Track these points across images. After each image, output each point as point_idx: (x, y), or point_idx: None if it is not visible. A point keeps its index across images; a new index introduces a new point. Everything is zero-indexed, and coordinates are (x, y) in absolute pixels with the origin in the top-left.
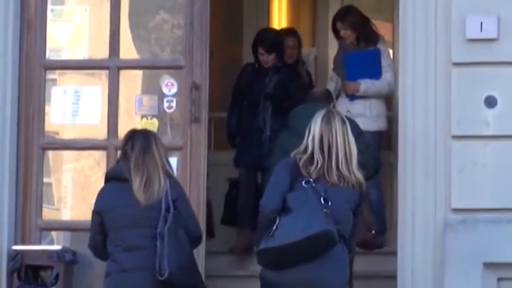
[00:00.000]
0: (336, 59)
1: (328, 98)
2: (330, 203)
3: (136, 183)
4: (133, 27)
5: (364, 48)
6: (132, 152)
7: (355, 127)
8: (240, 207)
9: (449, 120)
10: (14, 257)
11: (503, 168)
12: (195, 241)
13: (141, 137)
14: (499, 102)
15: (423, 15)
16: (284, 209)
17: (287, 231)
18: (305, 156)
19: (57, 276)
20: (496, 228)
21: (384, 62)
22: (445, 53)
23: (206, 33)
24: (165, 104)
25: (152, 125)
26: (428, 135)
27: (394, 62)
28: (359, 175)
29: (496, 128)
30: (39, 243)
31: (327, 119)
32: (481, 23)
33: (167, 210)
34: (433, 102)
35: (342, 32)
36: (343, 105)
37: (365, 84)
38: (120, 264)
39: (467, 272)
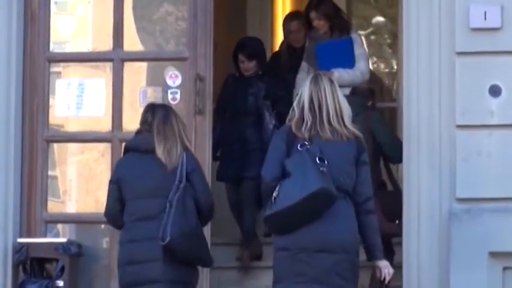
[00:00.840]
0: (307, 48)
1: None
2: (326, 162)
3: (160, 150)
4: (137, 19)
5: (337, 38)
6: (153, 121)
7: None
8: (237, 219)
9: (454, 110)
10: (19, 249)
11: (508, 157)
12: (206, 215)
13: (160, 109)
14: (503, 91)
15: (427, 5)
16: (284, 174)
17: (287, 195)
18: (295, 119)
19: (62, 269)
20: (501, 217)
21: (357, 51)
22: (449, 43)
23: (210, 24)
24: (169, 96)
25: None
26: (433, 125)
27: (398, 51)
28: (353, 129)
29: (501, 117)
30: (45, 236)
31: (315, 81)
32: (485, 12)
33: (180, 181)
34: (437, 92)
35: (315, 22)
36: None
37: (338, 73)
38: (131, 234)
39: (472, 261)
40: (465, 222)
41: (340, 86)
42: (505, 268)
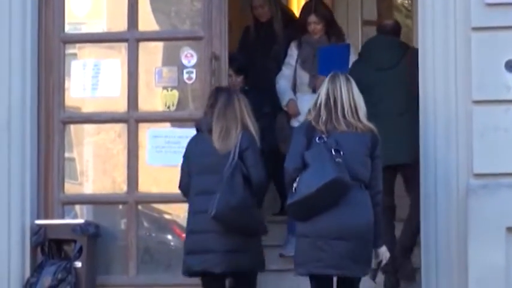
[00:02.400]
0: (303, 54)
1: (398, 31)
2: (341, 153)
3: (216, 134)
4: (152, 0)
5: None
6: (216, 105)
7: None
8: None
9: (470, 85)
10: (37, 231)
11: None
12: (257, 190)
13: (224, 93)
14: None
15: None
16: (304, 166)
17: (306, 185)
18: (314, 114)
19: (80, 250)
20: None
21: (352, 58)
22: (465, 18)
23: (225, 4)
24: (185, 76)
25: (172, 96)
26: (449, 101)
27: (414, 29)
28: (367, 123)
29: None
30: (62, 218)
31: (332, 79)
32: None
33: (233, 158)
34: (453, 68)
35: (313, 26)
36: (306, 102)
37: None
38: (193, 206)
39: (490, 236)
40: (482, 197)
41: None
42: None
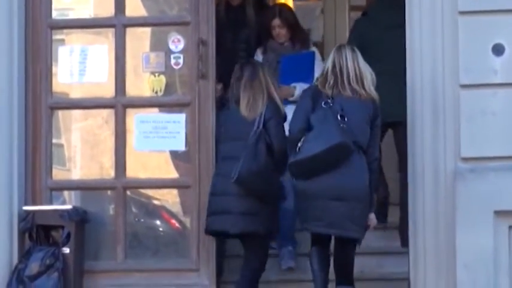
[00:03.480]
0: (267, 61)
1: None
2: (346, 119)
3: (244, 103)
4: None
5: (299, 51)
6: (242, 78)
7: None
8: None
9: (457, 69)
10: (25, 217)
11: None
12: (278, 157)
13: (249, 66)
14: (506, 49)
15: None
16: (309, 127)
17: (311, 145)
18: (320, 79)
19: (68, 236)
20: (507, 176)
21: (317, 67)
22: (452, 2)
23: None
24: (172, 61)
25: (160, 81)
26: (437, 85)
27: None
28: (371, 91)
29: (505, 75)
30: (50, 204)
31: (338, 49)
32: None
33: (258, 127)
34: (441, 52)
35: (277, 31)
36: None
37: (300, 88)
38: (218, 169)
39: (478, 220)
40: (470, 181)
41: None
42: (510, 227)
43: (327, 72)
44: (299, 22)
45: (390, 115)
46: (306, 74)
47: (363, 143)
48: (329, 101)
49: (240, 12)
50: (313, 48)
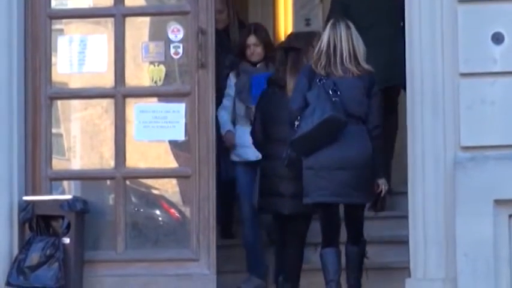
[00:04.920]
0: (239, 84)
1: None
2: (338, 93)
3: (290, 86)
4: None
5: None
6: (287, 63)
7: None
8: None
9: (457, 58)
10: (25, 207)
11: (511, 105)
12: None
13: (292, 52)
14: (506, 38)
15: None
16: (307, 105)
17: (306, 122)
18: (315, 59)
19: (68, 226)
20: (506, 164)
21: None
22: None
23: None
24: (172, 50)
25: (159, 71)
26: (436, 74)
27: None
28: (365, 65)
29: (504, 64)
30: (50, 194)
31: (333, 26)
32: None
33: None
34: (440, 41)
35: (252, 49)
36: (245, 135)
37: None
38: (266, 152)
39: (478, 209)
40: (470, 170)
41: None
42: (510, 215)
43: (321, 53)
44: (272, 42)
45: (382, 82)
46: None
47: (360, 114)
48: (322, 78)
49: (225, 36)
50: None
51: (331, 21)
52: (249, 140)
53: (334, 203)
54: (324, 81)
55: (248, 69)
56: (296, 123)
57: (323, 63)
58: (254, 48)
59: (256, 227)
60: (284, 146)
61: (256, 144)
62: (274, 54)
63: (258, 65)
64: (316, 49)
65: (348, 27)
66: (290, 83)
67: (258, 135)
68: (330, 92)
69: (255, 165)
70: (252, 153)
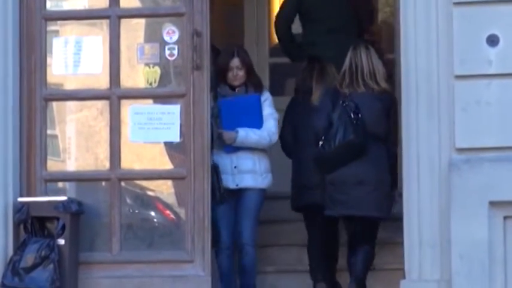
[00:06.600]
0: (214, 108)
1: None
2: (359, 115)
3: (317, 94)
4: None
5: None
6: (314, 71)
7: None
8: None
9: (452, 60)
10: (20, 209)
11: (506, 107)
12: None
13: (317, 62)
14: (501, 40)
15: None
16: (330, 125)
17: (329, 143)
18: (340, 78)
19: (63, 227)
20: (501, 166)
21: (266, 111)
22: None
23: None
24: (167, 52)
25: (154, 73)
26: (431, 76)
27: (395, 3)
28: (385, 85)
29: (499, 66)
30: (45, 195)
31: (354, 49)
32: None
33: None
34: (435, 42)
35: (235, 72)
36: (225, 159)
37: (244, 132)
38: (298, 155)
39: (473, 211)
40: (465, 172)
41: (252, 149)
42: (505, 217)
43: (344, 72)
44: (253, 67)
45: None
46: (254, 118)
47: (380, 133)
48: (346, 100)
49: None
50: (266, 93)
51: (352, 46)
52: (229, 165)
53: (351, 217)
54: (347, 103)
55: (226, 93)
56: (320, 142)
57: (347, 81)
58: (237, 71)
59: (232, 256)
60: (312, 147)
61: (285, 148)
62: (255, 78)
63: (237, 89)
64: (342, 71)
65: (367, 48)
66: (316, 92)
67: (287, 138)
68: (352, 114)
69: (234, 194)
70: (232, 181)
